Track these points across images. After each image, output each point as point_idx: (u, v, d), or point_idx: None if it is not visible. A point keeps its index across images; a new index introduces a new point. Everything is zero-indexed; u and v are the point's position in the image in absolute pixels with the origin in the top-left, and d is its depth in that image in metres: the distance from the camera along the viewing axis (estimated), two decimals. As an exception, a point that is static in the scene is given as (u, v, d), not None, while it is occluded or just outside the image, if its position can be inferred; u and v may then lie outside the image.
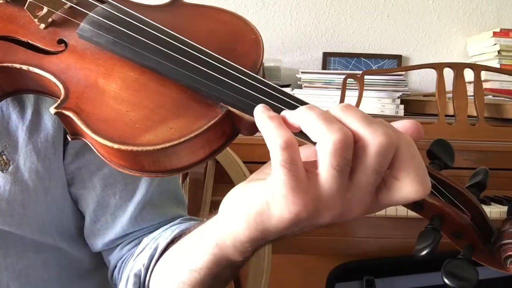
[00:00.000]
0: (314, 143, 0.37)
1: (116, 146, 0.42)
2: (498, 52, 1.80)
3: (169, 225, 0.65)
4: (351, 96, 1.55)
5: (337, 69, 2.02)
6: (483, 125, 1.56)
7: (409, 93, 1.71)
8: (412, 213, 1.38)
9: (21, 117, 0.60)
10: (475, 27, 2.08)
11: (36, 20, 0.52)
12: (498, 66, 1.78)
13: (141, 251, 0.62)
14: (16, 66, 0.50)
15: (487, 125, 1.57)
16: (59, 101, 0.46)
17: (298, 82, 1.76)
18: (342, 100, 1.55)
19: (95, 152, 0.46)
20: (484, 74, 1.68)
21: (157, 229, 0.65)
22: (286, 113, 0.40)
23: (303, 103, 0.42)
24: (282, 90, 0.44)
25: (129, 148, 0.42)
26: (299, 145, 0.38)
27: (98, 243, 0.66)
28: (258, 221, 0.40)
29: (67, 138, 0.49)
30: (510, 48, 1.80)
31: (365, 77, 1.57)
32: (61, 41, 0.51)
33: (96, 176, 0.64)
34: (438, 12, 2.08)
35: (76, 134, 0.46)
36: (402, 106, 1.65)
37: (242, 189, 0.42)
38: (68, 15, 0.52)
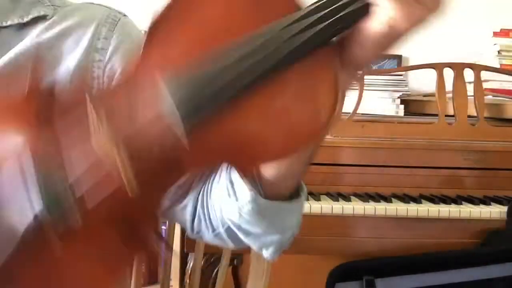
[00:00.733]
0: None
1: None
2: (498, 52, 1.80)
3: None
4: (351, 96, 1.55)
5: (337, 69, 2.01)
6: (483, 125, 1.56)
7: (409, 93, 1.71)
8: (412, 213, 1.39)
9: None
10: (475, 27, 2.08)
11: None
12: (498, 66, 1.78)
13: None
14: None
15: (487, 125, 1.57)
16: None
17: (298, 82, 1.76)
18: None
19: None
20: (484, 74, 1.68)
21: None
22: None
23: None
24: None
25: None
26: None
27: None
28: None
29: None
30: (510, 48, 1.80)
31: (365, 77, 1.57)
32: None
33: None
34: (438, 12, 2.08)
35: None
36: (402, 106, 1.65)
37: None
38: None
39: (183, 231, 1.29)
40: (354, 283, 1.41)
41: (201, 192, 0.65)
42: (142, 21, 1.91)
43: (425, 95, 1.90)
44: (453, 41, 2.08)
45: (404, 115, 1.66)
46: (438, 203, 1.45)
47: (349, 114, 1.53)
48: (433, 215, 1.40)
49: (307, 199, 1.44)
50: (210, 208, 0.63)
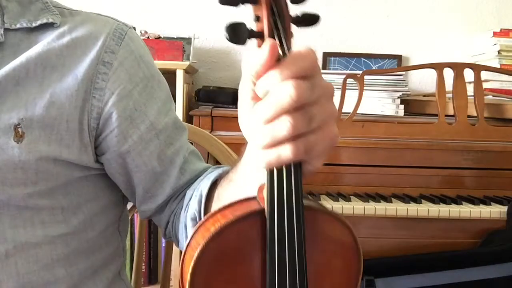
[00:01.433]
0: None
1: None
2: (498, 52, 1.80)
3: (203, 175, 0.74)
4: (351, 96, 1.55)
5: (337, 69, 2.02)
6: (483, 125, 1.56)
7: (409, 93, 1.71)
8: (412, 213, 1.39)
9: (40, 93, 0.65)
10: (475, 27, 2.08)
11: None
12: (498, 66, 1.78)
13: (189, 201, 0.72)
14: None
15: (487, 125, 1.57)
16: None
17: (298, 82, 1.76)
18: (342, 100, 1.55)
19: None
20: (484, 74, 1.68)
21: (194, 181, 0.75)
22: None
23: None
24: None
25: None
26: None
27: (152, 207, 0.75)
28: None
29: (98, 127, 0.67)
30: (510, 48, 1.80)
31: (365, 77, 1.57)
32: None
33: (144, 154, 0.71)
34: (438, 12, 2.08)
35: None
36: (402, 106, 1.65)
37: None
38: None
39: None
40: (354, 283, 1.41)
41: (173, 212, 0.75)
42: (141, 21, 1.89)
43: (425, 95, 1.90)
44: (453, 41, 2.08)
45: (404, 115, 1.66)
46: (438, 203, 1.45)
47: (349, 114, 1.53)
48: (433, 215, 1.40)
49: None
50: (176, 228, 0.75)
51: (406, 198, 1.46)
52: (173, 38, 1.81)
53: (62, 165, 0.67)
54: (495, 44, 1.81)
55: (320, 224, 0.49)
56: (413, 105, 1.77)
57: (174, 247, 1.10)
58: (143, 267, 1.61)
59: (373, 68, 2.04)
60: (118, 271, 0.80)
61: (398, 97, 1.65)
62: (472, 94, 1.57)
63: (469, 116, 1.57)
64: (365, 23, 2.08)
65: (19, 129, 0.63)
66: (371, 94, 1.63)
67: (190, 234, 0.49)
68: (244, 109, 0.47)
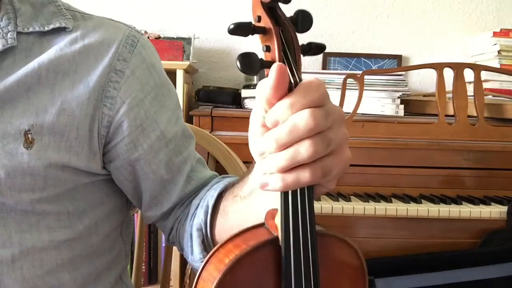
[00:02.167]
0: None
1: None
2: (498, 52, 1.80)
3: (210, 185, 0.75)
4: (351, 96, 1.55)
5: (337, 69, 2.02)
6: (483, 125, 1.56)
7: (409, 93, 1.71)
8: (412, 213, 1.39)
9: (51, 100, 0.65)
10: (475, 27, 2.08)
11: None
12: (498, 66, 1.78)
13: (195, 210, 0.72)
14: None
15: (487, 125, 1.57)
16: None
17: (298, 82, 1.76)
18: (342, 100, 1.55)
19: None
20: (484, 74, 1.68)
21: (201, 189, 0.75)
22: None
23: None
24: None
25: None
26: None
27: (158, 213, 0.75)
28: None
29: (107, 135, 0.67)
30: (510, 48, 1.80)
31: (365, 77, 1.57)
32: None
33: (153, 162, 0.71)
34: (438, 12, 2.08)
35: None
36: (402, 106, 1.65)
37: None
38: None
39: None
40: (354, 283, 1.41)
41: (178, 219, 0.76)
42: (141, 22, 1.90)
43: (425, 95, 1.90)
44: (453, 41, 2.08)
45: (404, 115, 1.66)
46: (438, 203, 1.45)
47: (349, 114, 1.53)
48: (433, 215, 1.40)
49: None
50: (181, 236, 0.76)
51: (406, 198, 1.46)
52: (173, 38, 1.81)
53: (70, 171, 0.66)
54: (495, 44, 1.81)
55: (329, 247, 0.50)
56: (413, 105, 1.77)
57: (174, 247, 1.10)
58: (143, 267, 1.61)
59: (373, 68, 2.04)
60: (119, 275, 0.80)
61: (398, 97, 1.65)
62: (472, 94, 1.57)
63: (469, 116, 1.57)
64: (365, 23, 2.08)
65: (29, 136, 0.63)
66: (371, 94, 1.63)
67: (201, 265, 0.49)
68: (254, 135, 0.48)
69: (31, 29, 0.67)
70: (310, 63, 2.06)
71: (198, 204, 0.72)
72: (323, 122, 0.44)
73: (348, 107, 1.54)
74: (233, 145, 1.11)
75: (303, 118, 0.43)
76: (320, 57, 2.04)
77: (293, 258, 0.46)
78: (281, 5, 0.48)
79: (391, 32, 2.08)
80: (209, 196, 0.71)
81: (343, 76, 1.57)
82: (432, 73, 1.64)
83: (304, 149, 0.43)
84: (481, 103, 1.58)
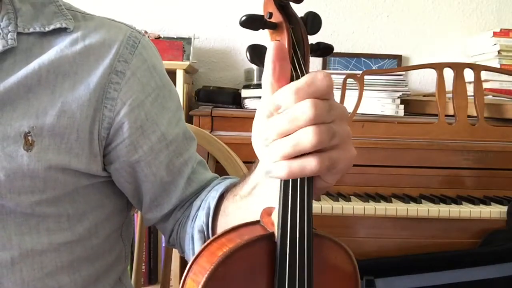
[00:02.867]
0: None
1: None
2: (498, 52, 1.80)
3: (211, 186, 0.74)
4: (351, 96, 1.55)
5: (337, 69, 2.02)
6: (483, 125, 1.56)
7: (409, 93, 1.71)
8: (412, 213, 1.39)
9: (52, 101, 0.64)
10: (475, 27, 2.08)
11: None
12: (498, 66, 1.78)
13: (196, 212, 0.72)
14: None
15: (487, 125, 1.57)
16: None
17: (298, 82, 1.76)
18: (342, 100, 1.55)
19: None
20: (484, 74, 1.68)
21: (201, 191, 0.74)
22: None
23: None
24: None
25: None
26: None
27: (158, 215, 0.75)
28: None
29: (108, 137, 0.66)
30: (510, 48, 1.80)
31: (365, 77, 1.57)
32: None
33: (154, 164, 0.71)
34: (438, 12, 2.08)
35: None
36: (402, 106, 1.65)
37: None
38: None
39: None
40: (354, 283, 1.41)
41: (178, 221, 0.75)
42: (142, 22, 1.89)
43: (425, 95, 1.90)
44: (453, 41, 2.08)
45: (404, 115, 1.66)
46: (438, 203, 1.45)
47: (349, 114, 1.53)
48: (433, 215, 1.40)
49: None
50: (182, 238, 0.75)
51: (406, 198, 1.46)
52: (173, 38, 1.81)
53: (70, 173, 0.66)
54: (495, 44, 1.81)
55: (325, 250, 0.50)
56: (413, 105, 1.77)
57: (174, 247, 1.10)
58: (143, 267, 1.61)
59: (373, 68, 2.04)
60: (119, 277, 0.80)
61: (398, 97, 1.65)
62: (472, 94, 1.57)
63: (469, 116, 1.57)
64: (365, 23, 2.08)
65: (29, 138, 0.62)
66: (371, 94, 1.63)
67: (191, 259, 0.48)
68: (259, 125, 0.48)
69: (31, 30, 0.66)
70: (310, 63, 2.05)
71: (199, 206, 0.72)
72: (325, 114, 0.43)
73: (348, 107, 1.54)
74: (233, 145, 1.11)
75: (305, 107, 0.42)
76: (320, 59, 2.03)
77: (288, 253, 0.46)
78: (292, 4, 0.48)
79: (391, 32, 2.08)
80: (210, 198, 0.70)
81: (343, 76, 1.57)
82: (432, 73, 1.64)
83: (307, 136, 0.42)
84: (481, 103, 1.58)
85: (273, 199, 0.48)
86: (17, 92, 0.63)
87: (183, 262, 1.48)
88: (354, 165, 1.66)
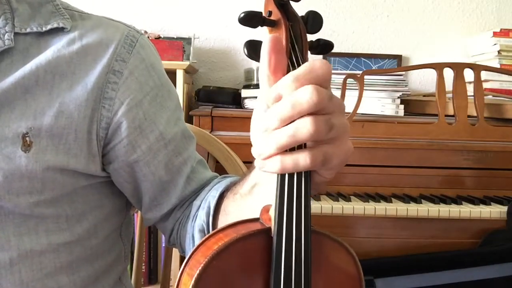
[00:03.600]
0: None
1: None
2: (498, 52, 1.80)
3: (210, 185, 0.73)
4: (351, 96, 1.55)
5: (337, 69, 2.02)
6: (483, 125, 1.56)
7: (409, 93, 1.71)
8: (412, 213, 1.39)
9: (49, 102, 0.64)
10: (475, 27, 2.08)
11: None
12: (498, 66, 1.78)
13: (196, 211, 0.71)
14: None
15: (487, 125, 1.57)
16: None
17: (298, 82, 1.76)
18: (342, 100, 1.55)
19: None
20: (484, 74, 1.68)
21: (201, 190, 0.74)
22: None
23: None
24: None
25: None
26: None
27: (158, 215, 0.75)
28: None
29: (106, 137, 0.66)
30: (510, 48, 1.80)
31: (365, 77, 1.57)
32: None
33: (152, 164, 0.71)
34: (438, 12, 2.08)
35: None
36: (402, 106, 1.65)
37: None
38: None
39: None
40: (354, 283, 1.40)
41: (178, 221, 0.75)
42: (141, 21, 1.89)
43: (425, 95, 1.90)
44: (453, 41, 2.08)
45: (404, 115, 1.66)
46: (438, 203, 1.45)
47: (349, 114, 1.53)
48: (433, 215, 1.40)
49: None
50: (182, 238, 0.75)
51: (406, 198, 1.46)
52: (173, 38, 1.81)
53: (68, 174, 0.66)
54: (495, 44, 1.81)
55: (325, 249, 0.48)
56: (413, 105, 1.77)
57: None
58: (143, 267, 1.61)
59: (373, 68, 2.04)
60: (119, 277, 0.80)
61: (398, 97, 1.66)
62: (472, 94, 1.58)
63: (469, 116, 1.57)
64: (365, 23, 2.08)
65: (27, 138, 0.62)
66: (371, 94, 1.63)
67: (188, 254, 0.48)
68: (259, 116, 0.47)
69: (28, 30, 0.66)
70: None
71: (199, 206, 0.71)
72: (327, 101, 0.41)
73: (348, 107, 1.54)
74: (233, 145, 1.11)
75: (308, 92, 0.40)
76: (320, 57, 2.04)
77: (284, 248, 0.45)
78: (293, 4, 0.48)
79: (391, 32, 2.08)
80: (210, 197, 0.70)
81: (343, 76, 1.57)
82: (432, 73, 1.64)
83: (305, 126, 0.41)
84: (481, 103, 1.58)
85: (273, 197, 0.48)
86: (14, 93, 0.63)
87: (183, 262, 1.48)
88: (354, 165, 1.66)
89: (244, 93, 1.74)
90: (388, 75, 1.68)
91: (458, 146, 1.54)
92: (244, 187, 0.61)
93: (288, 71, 0.45)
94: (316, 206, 1.38)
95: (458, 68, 1.59)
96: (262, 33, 0.51)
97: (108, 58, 0.67)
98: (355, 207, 1.40)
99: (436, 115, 1.57)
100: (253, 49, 0.46)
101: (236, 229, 0.47)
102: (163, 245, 1.56)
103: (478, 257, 1.43)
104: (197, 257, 0.46)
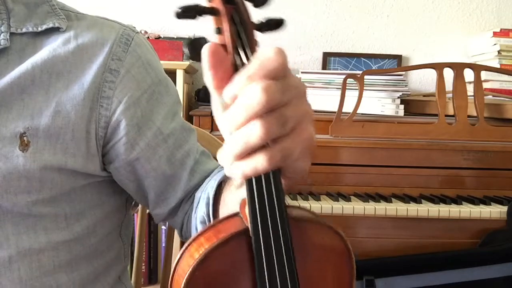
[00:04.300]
0: None
1: None
2: (498, 52, 1.80)
3: (211, 176, 0.73)
4: (351, 96, 1.55)
5: (337, 69, 2.02)
6: (483, 125, 1.56)
7: (409, 93, 1.71)
8: (412, 213, 1.39)
9: (46, 102, 0.64)
10: (475, 27, 2.08)
11: None
12: (498, 66, 1.78)
13: (198, 203, 0.71)
14: None
15: (487, 125, 1.57)
16: None
17: (298, 82, 1.76)
18: (342, 100, 1.55)
19: None
20: (484, 74, 1.68)
21: (203, 182, 0.74)
22: None
23: None
24: None
25: None
26: None
27: (166, 210, 0.75)
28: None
29: (105, 136, 0.67)
30: (510, 48, 1.80)
31: (365, 77, 1.57)
32: None
33: (153, 159, 0.71)
34: (438, 12, 2.08)
35: None
36: (402, 106, 1.65)
37: None
38: None
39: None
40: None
41: (187, 214, 0.75)
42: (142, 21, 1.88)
43: (425, 95, 1.90)
44: (453, 41, 2.08)
45: (404, 115, 1.66)
46: (438, 203, 1.45)
47: (349, 114, 1.53)
48: (433, 215, 1.40)
49: (307, 199, 1.44)
50: (190, 231, 0.75)
51: (406, 198, 1.46)
52: (173, 38, 1.81)
53: (66, 173, 0.66)
54: (495, 44, 1.81)
55: (307, 233, 0.48)
56: (413, 105, 1.77)
57: (174, 247, 1.10)
58: (143, 267, 1.61)
59: (373, 68, 2.04)
60: (118, 276, 0.80)
61: (398, 97, 1.66)
62: (472, 94, 1.57)
63: (469, 116, 1.57)
64: (365, 23, 2.08)
65: (25, 138, 0.63)
66: (371, 94, 1.63)
67: (176, 260, 0.48)
68: (218, 122, 0.44)
69: (24, 30, 0.67)
70: (310, 63, 2.06)
71: (200, 197, 0.71)
72: (278, 96, 0.39)
73: (348, 107, 1.54)
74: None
75: (254, 92, 0.38)
76: (320, 57, 2.04)
77: (263, 248, 0.44)
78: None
79: (391, 32, 2.08)
80: (209, 187, 0.69)
81: (343, 76, 1.57)
82: (432, 73, 1.64)
83: (255, 130, 0.38)
84: (481, 103, 1.58)
85: None
86: (11, 92, 0.63)
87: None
88: (354, 165, 1.66)
89: (244, 93, 1.74)
90: (388, 75, 1.68)
91: (458, 146, 1.54)
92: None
93: (235, 66, 0.43)
94: (316, 206, 1.38)
95: (458, 68, 1.59)
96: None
97: (104, 57, 0.67)
98: (355, 207, 1.40)
99: (436, 115, 1.57)
100: (195, 49, 0.44)
101: (216, 230, 0.47)
102: (163, 245, 1.56)
103: (478, 257, 1.43)
104: (182, 266, 0.47)
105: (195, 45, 0.44)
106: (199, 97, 1.80)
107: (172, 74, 1.58)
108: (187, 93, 1.75)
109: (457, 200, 1.47)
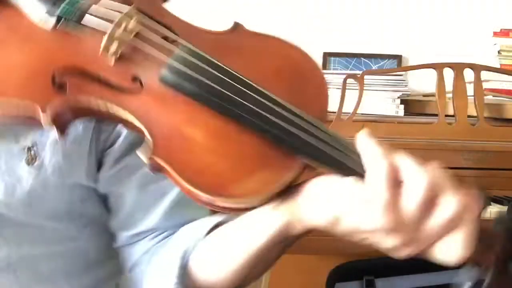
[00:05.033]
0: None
1: (207, 196, 0.43)
2: (498, 52, 1.80)
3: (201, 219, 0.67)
4: (351, 96, 1.55)
5: (337, 69, 2.02)
6: (483, 125, 1.56)
7: (409, 93, 1.71)
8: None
9: None
10: (475, 27, 2.08)
11: (103, 52, 0.49)
12: (498, 66, 1.78)
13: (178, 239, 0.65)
14: (94, 106, 0.47)
15: (487, 125, 1.57)
16: (147, 148, 0.46)
17: (298, 82, 1.76)
18: (342, 100, 1.55)
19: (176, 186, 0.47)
20: (484, 74, 1.68)
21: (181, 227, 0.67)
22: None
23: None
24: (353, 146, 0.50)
25: (220, 198, 0.43)
26: None
27: (127, 235, 0.69)
28: (335, 222, 0.50)
29: (104, 148, 0.64)
30: (510, 48, 1.80)
31: (365, 77, 1.57)
32: (135, 79, 0.49)
33: (134, 175, 0.67)
34: (438, 12, 2.08)
35: (160, 172, 0.46)
36: (402, 106, 1.65)
37: (328, 185, 0.50)
38: (137, 47, 0.51)
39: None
40: (354, 283, 1.41)
41: (148, 252, 0.69)
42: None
43: (425, 95, 1.90)
44: (453, 41, 2.08)
45: (404, 115, 1.66)
46: (438, 203, 1.44)
47: (349, 114, 1.53)
48: (433, 215, 1.40)
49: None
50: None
51: (406, 198, 1.46)
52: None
53: (69, 188, 0.66)
54: (495, 44, 1.81)
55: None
56: (413, 105, 1.77)
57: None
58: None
59: (373, 68, 2.04)
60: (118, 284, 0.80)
61: (398, 97, 1.65)
62: (472, 94, 1.57)
63: (469, 116, 1.57)
64: (365, 23, 2.08)
65: (32, 152, 0.63)
66: (371, 94, 1.63)
67: None
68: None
69: None
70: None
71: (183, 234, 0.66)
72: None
73: (348, 107, 1.54)
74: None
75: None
76: (320, 57, 2.03)
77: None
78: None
79: (391, 32, 2.08)
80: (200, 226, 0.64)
81: (343, 76, 1.57)
82: (432, 73, 1.64)
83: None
84: (481, 103, 1.57)
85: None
86: None
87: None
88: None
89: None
90: (388, 75, 1.68)
91: (458, 146, 1.54)
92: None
93: None
94: (316, 206, 1.38)
95: (458, 68, 1.59)
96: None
97: None
98: (355, 207, 1.39)
99: (436, 115, 1.57)
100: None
101: None
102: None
103: (478, 257, 1.43)
104: None
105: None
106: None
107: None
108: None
109: (457, 200, 1.46)
